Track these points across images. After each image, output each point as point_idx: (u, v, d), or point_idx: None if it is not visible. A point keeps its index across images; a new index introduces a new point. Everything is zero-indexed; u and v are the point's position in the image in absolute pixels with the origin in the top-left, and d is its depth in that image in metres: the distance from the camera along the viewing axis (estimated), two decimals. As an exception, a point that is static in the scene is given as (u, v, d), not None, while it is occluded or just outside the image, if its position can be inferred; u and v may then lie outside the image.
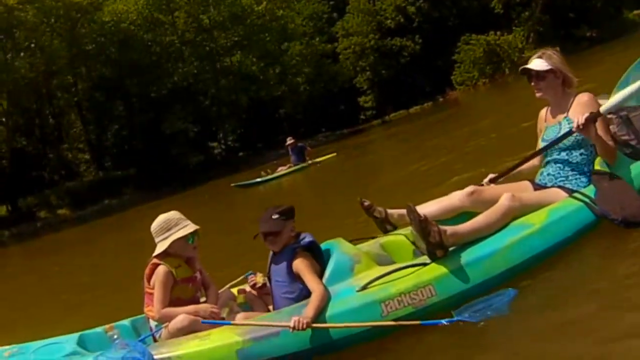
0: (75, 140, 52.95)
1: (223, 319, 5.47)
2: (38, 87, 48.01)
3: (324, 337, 4.92)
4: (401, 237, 6.15)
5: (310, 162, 27.17)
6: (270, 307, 5.69)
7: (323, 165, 26.64)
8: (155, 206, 29.13)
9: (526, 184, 6.02)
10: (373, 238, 6.27)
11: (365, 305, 4.97)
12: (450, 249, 5.22)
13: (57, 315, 10.41)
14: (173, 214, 5.68)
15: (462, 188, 6.08)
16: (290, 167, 26.95)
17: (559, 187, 5.80)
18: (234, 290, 6.11)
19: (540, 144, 6.09)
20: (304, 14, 64.94)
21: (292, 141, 28.21)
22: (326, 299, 5.03)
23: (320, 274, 5.27)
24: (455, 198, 5.96)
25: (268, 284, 5.75)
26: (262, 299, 5.85)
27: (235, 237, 13.37)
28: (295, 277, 5.34)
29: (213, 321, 5.14)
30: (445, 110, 39.79)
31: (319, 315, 4.93)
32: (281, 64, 59.82)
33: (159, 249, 5.54)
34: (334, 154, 28.04)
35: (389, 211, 6.30)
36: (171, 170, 47.58)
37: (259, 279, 5.87)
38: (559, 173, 5.88)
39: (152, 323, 5.54)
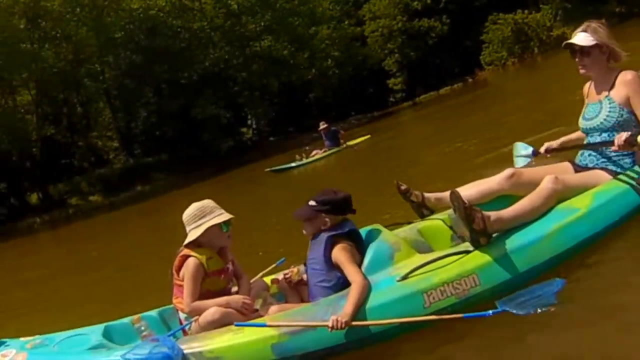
0: (104, 128, 53.14)
1: (256, 310, 5.26)
2: (66, 76, 48.07)
3: (362, 331, 4.68)
4: (438, 222, 5.93)
5: (345, 145, 26.86)
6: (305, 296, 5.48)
7: (357, 148, 26.24)
8: (188, 191, 29.88)
9: (566, 165, 5.84)
10: (410, 223, 6.05)
11: (406, 296, 4.73)
12: (494, 235, 4.98)
13: (92, 302, 10.31)
14: (207, 202, 5.42)
15: (496, 167, 6.01)
16: (325, 151, 26.63)
17: (602, 168, 5.60)
18: (267, 280, 5.85)
19: (581, 122, 5.88)
20: (331, -2, 64.40)
21: (325, 126, 27.85)
22: (366, 291, 4.77)
23: (360, 264, 5.01)
24: (494, 181, 5.77)
25: (304, 273, 5.53)
26: (296, 289, 5.59)
27: (269, 222, 13.22)
28: (332, 266, 5.08)
29: (247, 323, 4.84)
30: (475, 91, 39.50)
31: (359, 309, 4.69)
32: (310, 48, 59.48)
33: (191, 236, 5.28)
34: (368, 136, 27.94)
35: (426, 195, 6.12)
36: (202, 155, 47.59)
37: (295, 275, 5.58)
38: (601, 154, 5.66)
39: (182, 315, 5.32)
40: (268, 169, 26.65)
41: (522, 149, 6.66)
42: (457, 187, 5.67)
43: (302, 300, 5.45)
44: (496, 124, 16.71)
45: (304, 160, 25.89)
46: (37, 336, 5.35)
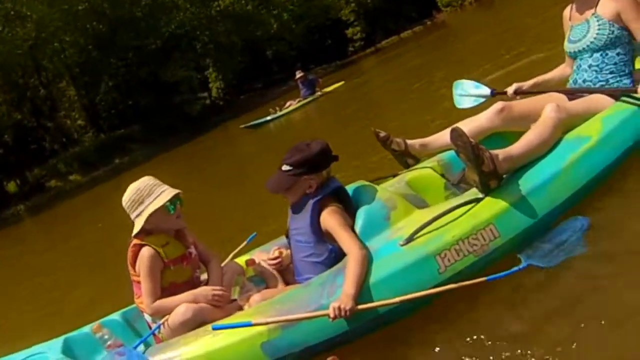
0: (69, 107, 51.94)
1: (233, 301, 4.48)
2: (25, 58, 46.77)
3: (369, 313, 3.84)
4: (428, 171, 5.22)
5: (320, 93, 26.33)
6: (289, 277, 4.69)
7: (332, 95, 25.56)
8: (166, 157, 30.05)
9: (558, 94, 5.22)
10: (395, 176, 5.33)
11: (416, 262, 3.93)
12: (504, 176, 4.33)
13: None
14: (144, 182, 4.51)
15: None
16: (299, 101, 26.02)
17: (601, 92, 5.08)
18: (241, 261, 4.99)
19: (567, 45, 5.40)
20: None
21: (301, 74, 27.30)
22: (367, 262, 3.96)
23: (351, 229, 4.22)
24: (484, 118, 5.18)
25: (288, 247, 4.71)
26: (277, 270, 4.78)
27: (245, 190, 12.37)
28: (322, 236, 4.26)
29: (227, 324, 3.94)
30: (437, 31, 39.38)
31: (362, 288, 3.87)
32: (272, 3, 58.62)
33: (136, 227, 4.45)
34: (342, 82, 27.34)
35: (409, 142, 5.49)
36: (176, 121, 46.72)
37: (286, 258, 4.73)
38: (596, 78, 5.18)
39: (148, 317, 4.53)
40: (243, 125, 26.22)
41: (472, 88, 6.12)
42: (442, 130, 5.37)
43: (287, 282, 4.67)
44: (460, 65, 16.21)
45: (279, 113, 25.16)
46: None
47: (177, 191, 4.48)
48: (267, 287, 4.65)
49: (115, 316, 4.90)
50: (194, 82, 51.25)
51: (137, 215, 4.42)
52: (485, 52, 16.58)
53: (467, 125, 5.06)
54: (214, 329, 3.91)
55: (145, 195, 4.41)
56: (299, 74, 27.34)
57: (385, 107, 15.86)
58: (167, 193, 4.43)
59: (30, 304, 10.62)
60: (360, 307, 3.75)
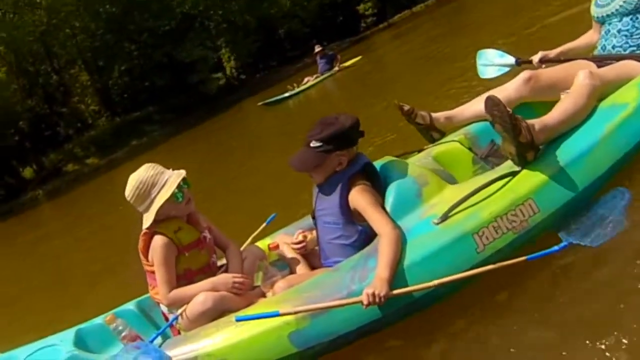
0: (83, 92, 51.79)
1: (256, 287, 4.23)
2: (38, 46, 46.77)
3: (404, 298, 3.56)
4: (455, 145, 4.95)
5: (337, 68, 25.87)
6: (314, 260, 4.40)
7: (350, 70, 25.16)
8: (185, 138, 29.68)
9: (586, 62, 4.97)
10: (420, 151, 5.06)
11: (452, 242, 3.66)
12: (540, 148, 4.06)
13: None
14: (145, 172, 4.19)
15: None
16: (317, 76, 25.59)
17: (633, 58, 4.79)
18: (262, 245, 4.73)
19: (594, 10, 5.15)
20: None
21: (320, 49, 26.93)
22: (400, 243, 3.67)
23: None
24: (511, 88, 4.87)
25: (314, 231, 4.42)
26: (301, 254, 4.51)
27: (264, 168, 12.04)
28: (352, 216, 3.99)
29: (252, 316, 3.64)
30: (449, 4, 37.99)
31: (396, 271, 3.59)
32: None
33: (146, 222, 4.18)
34: (360, 57, 26.80)
35: (434, 115, 5.22)
36: (192, 101, 46.66)
37: (311, 243, 4.46)
38: (627, 43, 4.91)
39: (164, 308, 4.29)
40: (261, 103, 25.85)
41: (495, 57, 5.89)
42: (467, 101, 5.16)
43: (312, 267, 4.39)
44: (482, 37, 15.65)
45: (297, 89, 24.77)
46: None
47: (182, 175, 4.21)
48: (291, 272, 4.41)
49: (130, 306, 4.67)
50: (210, 61, 51.08)
51: (145, 209, 4.16)
52: (503, 20, 16.24)
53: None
54: (238, 320, 3.64)
55: (150, 186, 4.13)
56: (317, 49, 26.96)
57: (405, 81, 15.50)
58: (172, 180, 4.16)
59: (47, 290, 10.50)
60: (395, 292, 3.47)
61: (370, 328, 3.60)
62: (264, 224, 5.16)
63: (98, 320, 4.57)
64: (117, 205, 15.74)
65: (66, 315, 7.03)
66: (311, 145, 4.04)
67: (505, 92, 4.83)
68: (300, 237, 4.44)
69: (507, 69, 5.75)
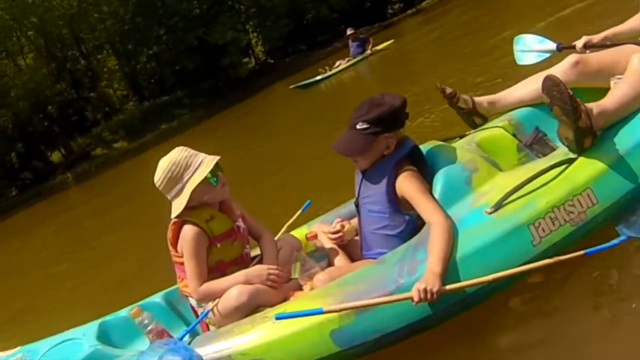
0: (111, 77, 51.78)
1: (292, 280, 3.96)
2: (65, 29, 46.70)
3: (455, 294, 3.30)
4: (499, 131, 4.62)
5: (369, 52, 25.51)
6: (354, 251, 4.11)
7: (382, 54, 24.81)
8: (215, 121, 29.26)
9: (633, 46, 4.64)
10: (462, 137, 4.74)
11: (507, 233, 3.40)
12: (598, 134, 3.79)
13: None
14: (178, 153, 3.92)
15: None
16: (349, 60, 25.16)
17: None
18: (298, 234, 4.46)
19: None
20: None
21: (352, 32, 26.52)
22: (452, 234, 3.40)
23: None
24: (558, 72, 4.46)
25: (353, 220, 4.15)
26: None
27: (300, 151, 11.68)
28: (399, 205, 3.71)
29: (292, 314, 3.32)
30: None
31: (448, 264, 3.31)
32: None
33: (176, 209, 3.89)
34: (392, 40, 26.45)
35: (477, 99, 4.97)
36: (222, 85, 46.56)
37: (348, 233, 4.13)
38: None
39: (193, 302, 4.02)
40: (293, 86, 25.44)
41: (535, 42, 5.58)
42: (508, 87, 4.92)
43: (351, 258, 4.10)
44: (519, 22, 15.24)
45: (329, 72, 24.48)
46: (18, 348, 4.23)
47: (216, 158, 3.94)
48: (329, 264, 4.12)
49: (156, 298, 4.44)
50: (242, 44, 51.08)
51: (177, 194, 3.89)
52: (539, 4, 15.80)
53: (540, 80, 4.40)
54: (278, 318, 3.36)
55: (183, 168, 3.86)
56: (350, 31, 26.67)
57: (438, 66, 15.07)
58: (207, 162, 3.88)
59: (73, 278, 10.28)
60: (448, 287, 3.21)
61: (419, 326, 3.33)
62: (298, 212, 4.87)
63: (123, 312, 4.37)
64: (147, 189, 15.62)
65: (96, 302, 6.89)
66: (357, 127, 3.75)
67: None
68: (338, 227, 4.14)
69: (547, 55, 5.46)
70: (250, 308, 3.69)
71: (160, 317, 4.16)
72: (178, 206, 3.86)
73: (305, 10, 56.12)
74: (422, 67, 16.26)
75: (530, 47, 5.57)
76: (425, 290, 3.12)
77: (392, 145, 3.74)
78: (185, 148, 3.96)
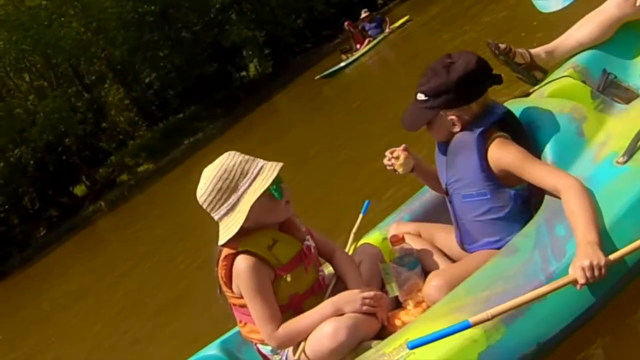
0: (118, 105, 51.34)
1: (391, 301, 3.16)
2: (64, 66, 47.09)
3: (617, 269, 2.63)
4: (567, 81, 4.01)
5: (389, 30, 25.31)
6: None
7: (401, 32, 24.62)
8: (238, 129, 28.73)
9: None
10: (527, 95, 4.12)
11: None
12: None
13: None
14: (230, 158, 3.03)
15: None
16: (369, 41, 24.79)
17: None
18: (373, 241, 3.70)
19: None
20: None
21: (367, 14, 26.17)
22: (589, 193, 2.79)
23: None
24: (611, 8, 4.20)
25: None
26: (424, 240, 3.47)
27: (345, 143, 10.73)
28: (499, 181, 3.04)
29: (428, 338, 2.46)
30: None
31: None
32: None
33: (229, 230, 2.98)
34: (407, 16, 26.03)
35: (533, 51, 4.39)
36: (238, 91, 46.52)
37: (402, 159, 3.37)
38: None
39: (264, 349, 3.17)
40: (318, 76, 24.98)
41: None
42: (560, 34, 4.38)
43: (453, 260, 3.34)
44: None
45: (352, 57, 24.27)
46: None
47: (280, 164, 3.07)
48: (425, 270, 3.27)
49: (212, 350, 3.58)
50: (259, 40, 51.11)
51: (228, 211, 3.01)
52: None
53: (595, 20, 4.26)
54: (412, 347, 2.48)
55: (238, 176, 2.98)
56: (365, 13, 26.50)
57: (465, 34, 14.21)
58: (270, 169, 3.01)
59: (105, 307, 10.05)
60: (612, 256, 2.56)
61: (582, 320, 2.68)
62: (360, 215, 4.09)
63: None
64: (183, 208, 14.95)
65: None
66: (417, 98, 3.17)
67: (607, 12, 4.20)
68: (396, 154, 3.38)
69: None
70: (350, 347, 2.88)
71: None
72: (232, 226, 2.99)
73: (301, 9, 56.23)
74: (446, 40, 15.25)
75: None
76: (591, 267, 2.49)
77: (457, 124, 3.08)
78: (237, 152, 3.11)
